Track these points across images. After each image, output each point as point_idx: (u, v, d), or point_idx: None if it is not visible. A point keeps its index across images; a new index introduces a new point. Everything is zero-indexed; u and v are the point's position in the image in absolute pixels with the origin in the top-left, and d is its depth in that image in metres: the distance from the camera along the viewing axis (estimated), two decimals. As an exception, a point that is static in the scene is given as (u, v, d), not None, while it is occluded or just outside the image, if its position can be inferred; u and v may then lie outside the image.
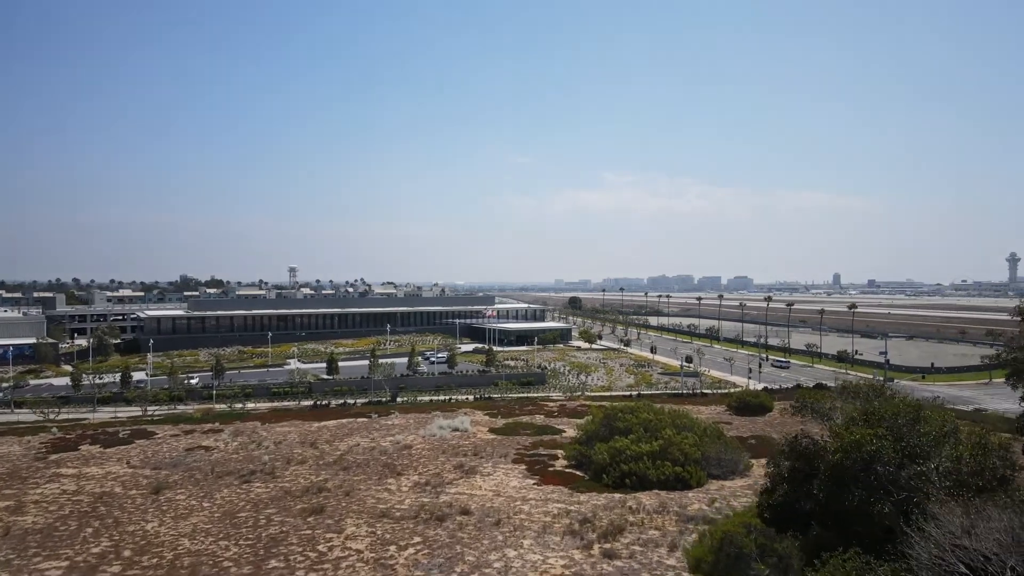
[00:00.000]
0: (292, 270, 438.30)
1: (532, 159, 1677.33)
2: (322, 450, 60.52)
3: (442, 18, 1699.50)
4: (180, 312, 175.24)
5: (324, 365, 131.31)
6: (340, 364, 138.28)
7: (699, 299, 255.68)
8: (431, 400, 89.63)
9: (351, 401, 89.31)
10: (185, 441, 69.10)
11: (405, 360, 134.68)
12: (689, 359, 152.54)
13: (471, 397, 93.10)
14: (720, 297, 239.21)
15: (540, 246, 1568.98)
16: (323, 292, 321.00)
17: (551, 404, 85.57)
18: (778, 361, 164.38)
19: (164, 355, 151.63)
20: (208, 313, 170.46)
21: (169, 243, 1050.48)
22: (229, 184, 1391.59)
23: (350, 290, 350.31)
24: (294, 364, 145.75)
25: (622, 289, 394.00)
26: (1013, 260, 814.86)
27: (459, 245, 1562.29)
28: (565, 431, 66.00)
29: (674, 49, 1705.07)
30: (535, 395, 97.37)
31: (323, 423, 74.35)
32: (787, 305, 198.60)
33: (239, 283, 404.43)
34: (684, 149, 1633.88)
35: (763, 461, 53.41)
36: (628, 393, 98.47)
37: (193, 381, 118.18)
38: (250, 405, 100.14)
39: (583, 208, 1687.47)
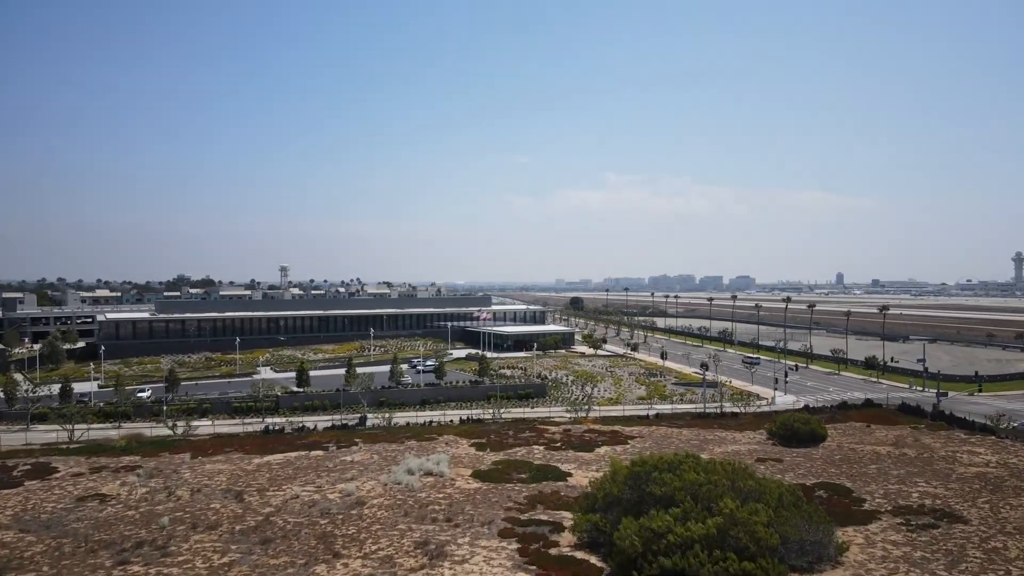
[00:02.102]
0: (283, 269, 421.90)
1: (532, 159, 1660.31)
2: (248, 504, 45.37)
3: (441, 17, 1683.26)
4: (143, 315, 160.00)
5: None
6: (316, 374, 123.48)
7: (710, 299, 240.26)
8: (408, 424, 74.32)
9: (310, 426, 74.04)
10: (86, 483, 54.01)
11: (389, 368, 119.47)
12: (705, 366, 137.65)
13: (456, 419, 77.86)
14: (734, 297, 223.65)
15: (541, 246, 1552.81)
16: (312, 292, 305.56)
17: (552, 428, 70.42)
18: (749, 358, 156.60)
19: (122, 363, 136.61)
20: (174, 316, 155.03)
21: (172, 244, 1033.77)
22: (231, 185, 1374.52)
23: (340, 290, 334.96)
24: (265, 373, 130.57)
25: (626, 289, 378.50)
26: (1019, 260, 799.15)
27: (459, 245, 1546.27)
28: (572, 475, 50.82)
29: (675, 49, 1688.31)
30: (533, 415, 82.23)
31: (267, 457, 59.21)
32: (808, 307, 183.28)
33: (231, 283, 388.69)
34: (685, 149, 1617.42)
35: (851, 531, 38.42)
36: (643, 413, 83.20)
37: (144, 394, 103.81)
38: (205, 423, 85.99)
39: (584, 208, 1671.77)
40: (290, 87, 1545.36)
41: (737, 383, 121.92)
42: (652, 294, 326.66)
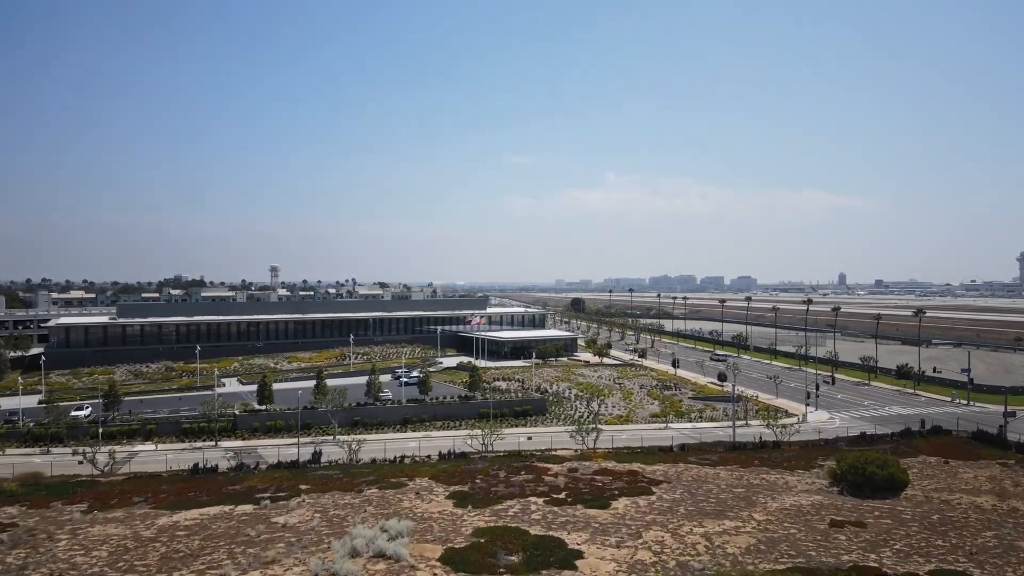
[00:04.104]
0: (274, 269, 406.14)
1: (532, 159, 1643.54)
2: (111, 610, 31.03)
3: (442, 15, 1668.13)
4: (101, 319, 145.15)
5: (274, 388, 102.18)
6: (287, 386, 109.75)
7: (722, 301, 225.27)
8: (374, 461, 59.49)
9: (250, 463, 59.23)
10: (-75, 556, 39.66)
11: (367, 380, 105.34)
12: (723, 377, 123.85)
13: (435, 454, 63.14)
14: (748, 299, 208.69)
15: (540, 246, 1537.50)
16: (300, 293, 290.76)
17: (554, 467, 55.91)
18: (717, 355, 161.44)
19: (71, 373, 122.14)
20: (134, 321, 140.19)
21: (173, 244, 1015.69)
22: (235, 185, 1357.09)
23: (331, 291, 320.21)
24: (230, 386, 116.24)
25: (631, 290, 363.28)
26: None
27: (459, 245, 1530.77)
28: (584, 555, 36.22)
29: (677, 50, 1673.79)
30: (531, 446, 67.58)
31: (178, 516, 44.73)
32: (833, 310, 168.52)
33: (222, 283, 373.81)
34: (685, 149, 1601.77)
35: None
36: (665, 444, 68.56)
37: (80, 413, 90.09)
38: (147, 447, 74.53)
39: (584, 208, 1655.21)
40: (299, 91, 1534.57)
41: (763, 397, 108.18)
42: (659, 295, 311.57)
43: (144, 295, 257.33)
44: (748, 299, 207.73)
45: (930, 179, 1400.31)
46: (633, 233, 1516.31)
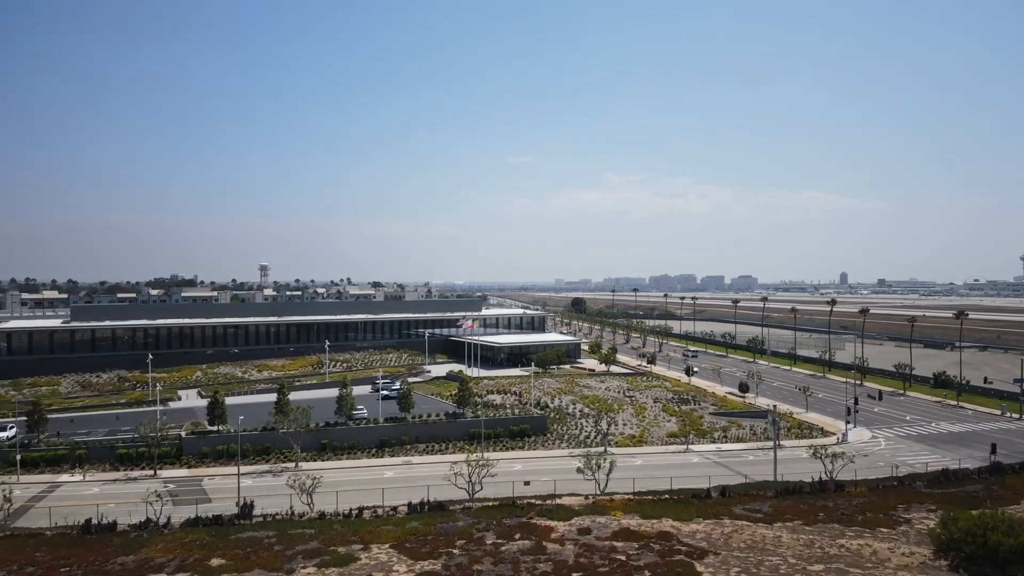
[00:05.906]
0: (263, 268, 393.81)
1: (532, 159, 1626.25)
2: None
3: (442, 16, 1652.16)
4: (50, 323, 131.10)
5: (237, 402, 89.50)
6: (252, 400, 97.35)
7: (735, 301, 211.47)
8: (323, 516, 45.48)
9: (161, 520, 44.82)
10: None
11: (360, 391, 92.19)
12: (744, 387, 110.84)
13: (401, 506, 49.29)
14: (764, 299, 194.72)
15: (540, 246, 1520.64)
16: (287, 293, 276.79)
17: (560, 527, 42.19)
18: (688, 351, 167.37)
19: (11, 384, 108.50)
20: (89, 325, 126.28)
21: (176, 244, 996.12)
22: (233, 184, 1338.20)
23: (320, 291, 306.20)
24: (187, 399, 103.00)
25: (635, 289, 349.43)
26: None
27: (458, 245, 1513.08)
28: None
29: (675, 48, 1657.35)
30: (530, 493, 53.75)
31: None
32: (860, 311, 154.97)
33: (211, 283, 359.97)
34: (685, 149, 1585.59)
35: None
36: (688, 471, 54.79)
37: (4, 434, 76.96)
38: (75, 477, 63.66)
39: (584, 208, 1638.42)
40: (301, 92, 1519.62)
41: (794, 412, 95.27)
42: (665, 295, 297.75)
43: (120, 295, 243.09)
44: (764, 299, 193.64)
45: (930, 179, 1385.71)
46: (633, 233, 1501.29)
